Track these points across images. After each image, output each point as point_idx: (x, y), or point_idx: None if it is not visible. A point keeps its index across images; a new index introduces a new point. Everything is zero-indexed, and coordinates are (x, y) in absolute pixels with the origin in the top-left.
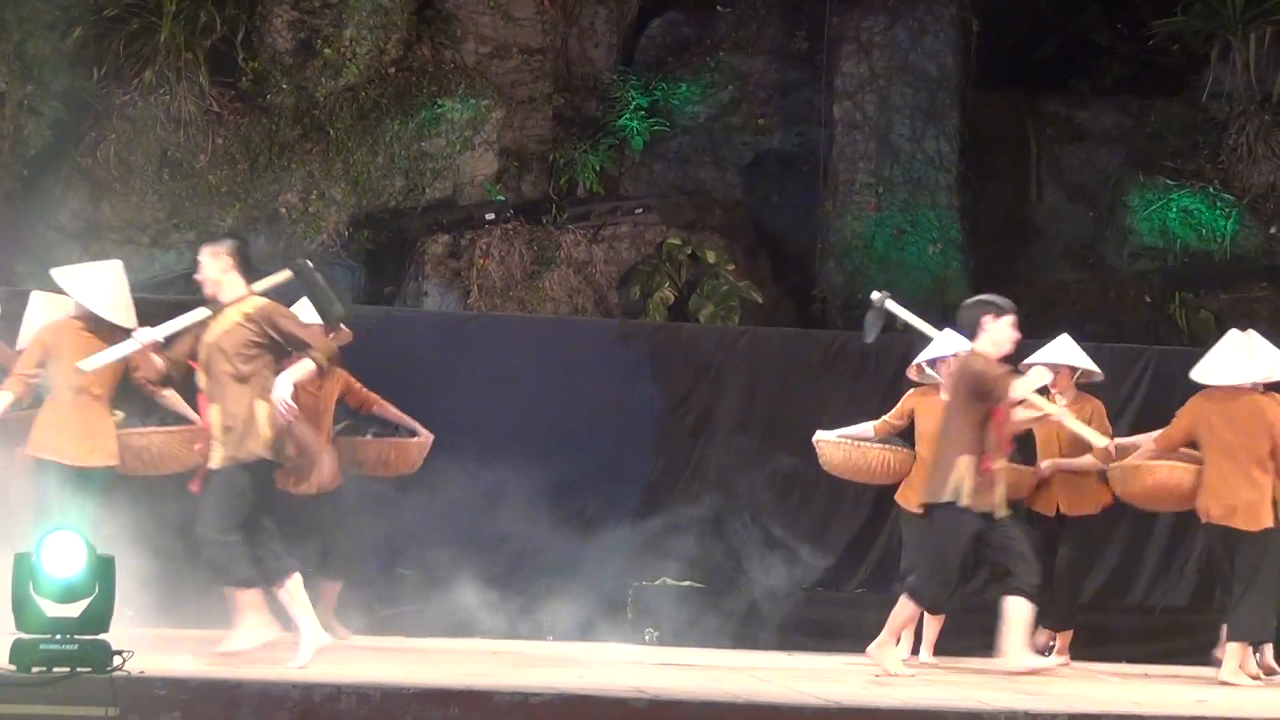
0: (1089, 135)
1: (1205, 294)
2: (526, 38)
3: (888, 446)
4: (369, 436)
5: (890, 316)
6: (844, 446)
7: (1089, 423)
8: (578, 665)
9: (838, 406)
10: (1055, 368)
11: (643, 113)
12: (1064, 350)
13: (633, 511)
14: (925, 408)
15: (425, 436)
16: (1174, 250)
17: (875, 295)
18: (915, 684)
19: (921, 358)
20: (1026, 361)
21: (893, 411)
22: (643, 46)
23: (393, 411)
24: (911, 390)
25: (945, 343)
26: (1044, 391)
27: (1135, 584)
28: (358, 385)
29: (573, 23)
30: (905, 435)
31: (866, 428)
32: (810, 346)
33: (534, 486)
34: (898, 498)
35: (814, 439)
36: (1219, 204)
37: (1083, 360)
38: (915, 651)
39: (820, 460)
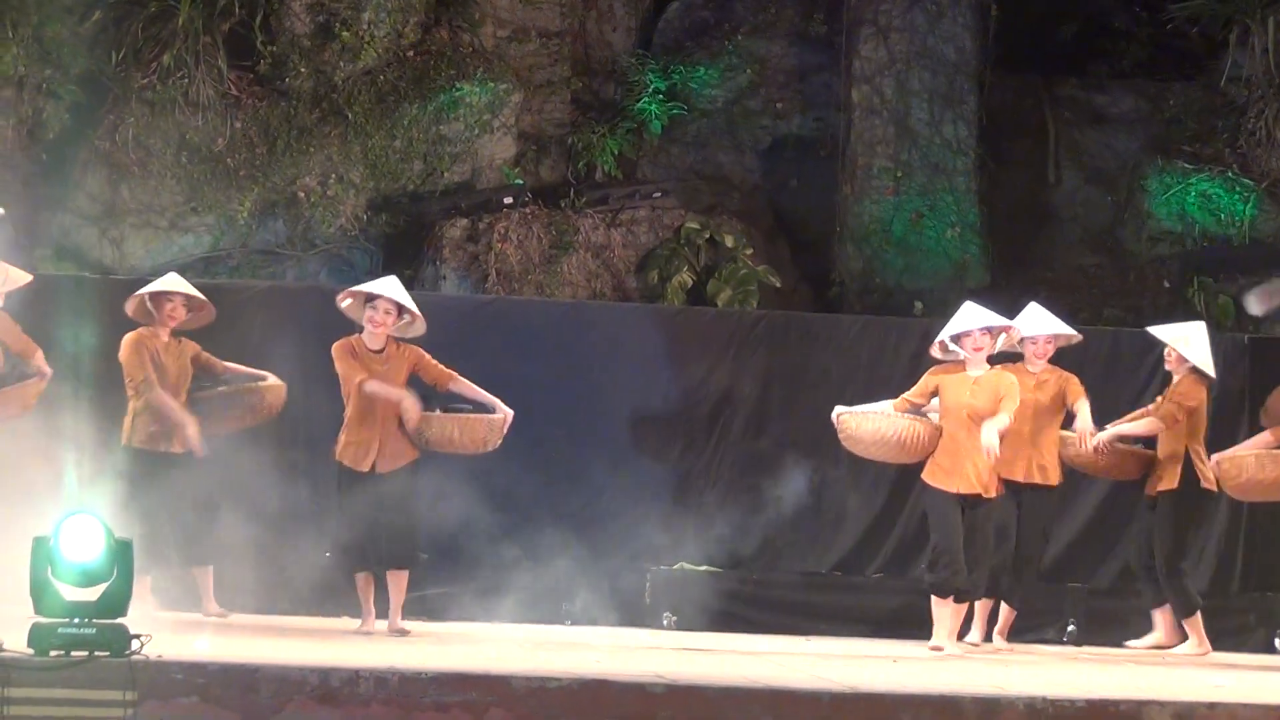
0: (1107, 119)
1: (1224, 278)
2: (545, 21)
3: (917, 418)
4: (436, 411)
5: None
6: (871, 418)
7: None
8: (595, 650)
9: (856, 390)
10: (1033, 337)
11: (661, 96)
12: (1044, 318)
13: (650, 496)
14: (952, 384)
15: (502, 414)
16: (1192, 235)
17: None
18: (933, 669)
19: None
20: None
21: (913, 389)
22: (661, 30)
23: (471, 389)
24: (934, 367)
25: None
26: (1018, 358)
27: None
28: (431, 361)
29: (591, 6)
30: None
31: (885, 405)
32: (828, 330)
33: (551, 470)
34: (924, 476)
35: (834, 414)
36: (1238, 188)
37: (1062, 327)
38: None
39: (842, 436)
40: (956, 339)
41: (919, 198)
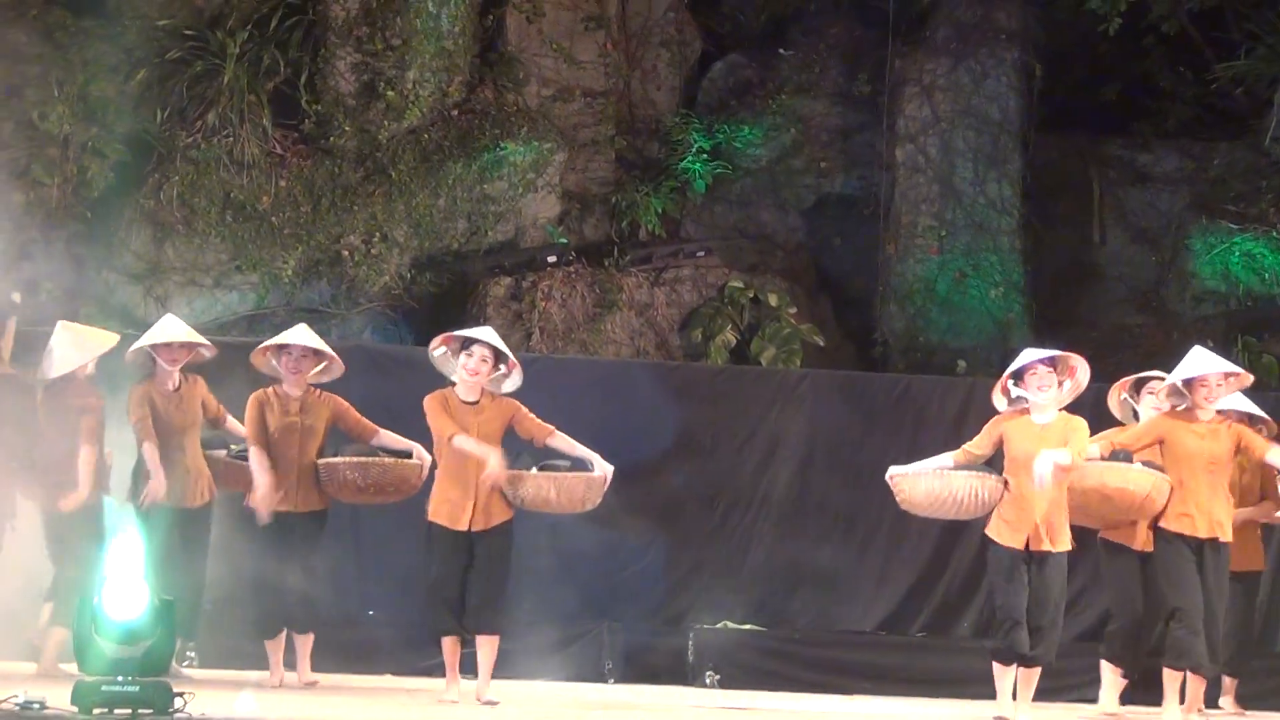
0: (1152, 178)
1: (1268, 338)
2: (589, 80)
3: (974, 474)
4: (532, 470)
5: None
6: (925, 478)
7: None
8: (639, 709)
9: (900, 449)
10: (1202, 377)
11: (704, 155)
12: (1212, 358)
13: (693, 554)
14: (1018, 433)
15: (601, 472)
16: (1237, 294)
17: None
18: None
19: None
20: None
21: (976, 440)
22: (705, 89)
23: (570, 445)
24: (999, 415)
25: None
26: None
27: None
28: (529, 415)
29: (635, 65)
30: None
31: (945, 459)
32: (872, 389)
33: (594, 530)
34: (988, 530)
35: (888, 475)
36: None
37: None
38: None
39: (899, 498)
40: (1018, 378)
41: (963, 257)
